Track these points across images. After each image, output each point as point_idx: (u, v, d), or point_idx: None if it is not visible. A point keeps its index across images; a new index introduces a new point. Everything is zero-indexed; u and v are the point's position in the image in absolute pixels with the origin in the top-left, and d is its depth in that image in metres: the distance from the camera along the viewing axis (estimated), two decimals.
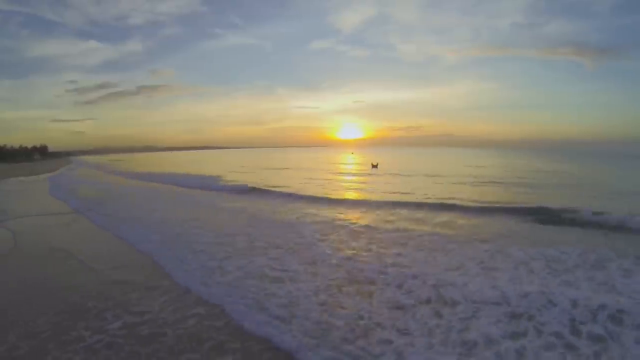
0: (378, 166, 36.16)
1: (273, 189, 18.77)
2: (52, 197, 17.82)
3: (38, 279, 6.38)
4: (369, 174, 29.12)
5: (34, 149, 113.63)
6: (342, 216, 11.60)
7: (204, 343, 4.21)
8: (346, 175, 29.94)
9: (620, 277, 5.77)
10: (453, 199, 14.33)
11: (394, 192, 16.89)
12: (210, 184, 21.52)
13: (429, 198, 14.77)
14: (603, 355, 3.79)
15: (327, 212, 12.30)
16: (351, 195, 17.19)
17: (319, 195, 16.41)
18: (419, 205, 13.02)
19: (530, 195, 15.60)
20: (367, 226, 10.03)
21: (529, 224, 10.08)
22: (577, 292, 5.19)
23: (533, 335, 4.15)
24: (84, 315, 4.88)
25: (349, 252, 7.51)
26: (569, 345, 3.96)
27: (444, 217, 11.17)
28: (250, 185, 19.88)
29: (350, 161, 53.35)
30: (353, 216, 11.62)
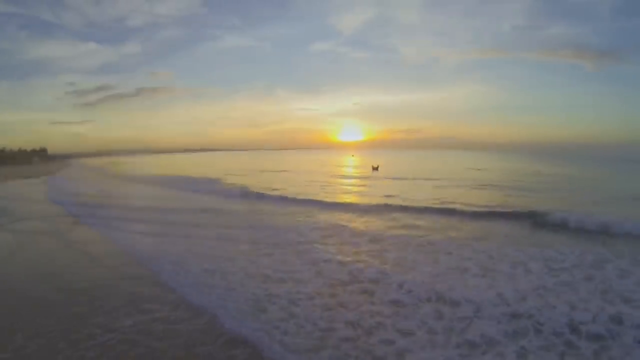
0: (379, 169, 36.23)
1: (273, 191, 18.80)
2: (51, 201, 17.79)
3: (40, 281, 6.41)
4: (370, 177, 29.17)
5: (33, 151, 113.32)
6: (343, 218, 11.68)
7: (217, 338, 4.31)
8: (347, 178, 29.92)
9: (618, 277, 5.86)
10: (453, 202, 14.39)
11: (394, 195, 16.94)
12: (209, 187, 21.52)
13: (429, 201, 14.84)
14: (603, 354, 3.86)
15: (328, 215, 12.37)
16: (352, 197, 17.25)
17: (320, 198, 16.43)
18: (419, 208, 13.09)
19: (530, 198, 15.65)
20: (367, 228, 10.12)
21: (528, 226, 10.17)
22: (575, 292, 5.27)
23: (533, 335, 4.22)
24: (93, 315, 4.94)
25: (350, 253, 7.58)
26: (569, 344, 4.03)
27: (444, 219, 11.26)
28: (250, 188, 19.92)
29: (351, 164, 53.31)
30: (354, 218, 11.70)
